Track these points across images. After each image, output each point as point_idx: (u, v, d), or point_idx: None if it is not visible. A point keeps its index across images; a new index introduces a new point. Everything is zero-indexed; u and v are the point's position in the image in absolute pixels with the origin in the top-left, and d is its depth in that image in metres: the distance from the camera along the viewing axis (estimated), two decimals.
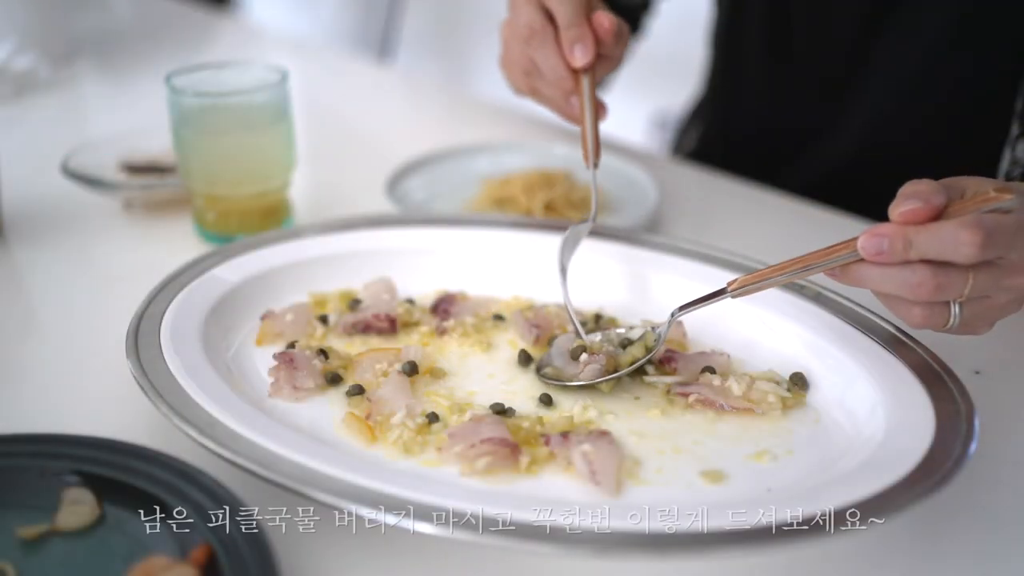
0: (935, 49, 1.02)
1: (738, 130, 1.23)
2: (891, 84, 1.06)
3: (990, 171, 0.98)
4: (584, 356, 0.71)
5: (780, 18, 1.12)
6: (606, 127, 0.88)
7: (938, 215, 0.59)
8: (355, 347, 0.75)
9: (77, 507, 0.57)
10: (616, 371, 0.70)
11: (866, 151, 1.10)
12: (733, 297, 0.67)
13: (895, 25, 1.04)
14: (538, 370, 0.72)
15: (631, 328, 0.74)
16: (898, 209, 0.60)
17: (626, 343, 0.73)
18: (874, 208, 1.01)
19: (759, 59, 1.17)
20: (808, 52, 1.12)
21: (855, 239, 0.61)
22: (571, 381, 0.70)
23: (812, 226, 0.98)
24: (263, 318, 0.77)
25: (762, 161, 1.18)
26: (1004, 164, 0.95)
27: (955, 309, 0.62)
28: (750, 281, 0.66)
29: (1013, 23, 0.97)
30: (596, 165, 0.80)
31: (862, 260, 0.61)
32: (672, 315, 0.71)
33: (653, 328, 0.73)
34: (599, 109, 0.83)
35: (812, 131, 1.14)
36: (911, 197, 0.59)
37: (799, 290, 0.76)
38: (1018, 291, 0.63)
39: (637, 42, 1.22)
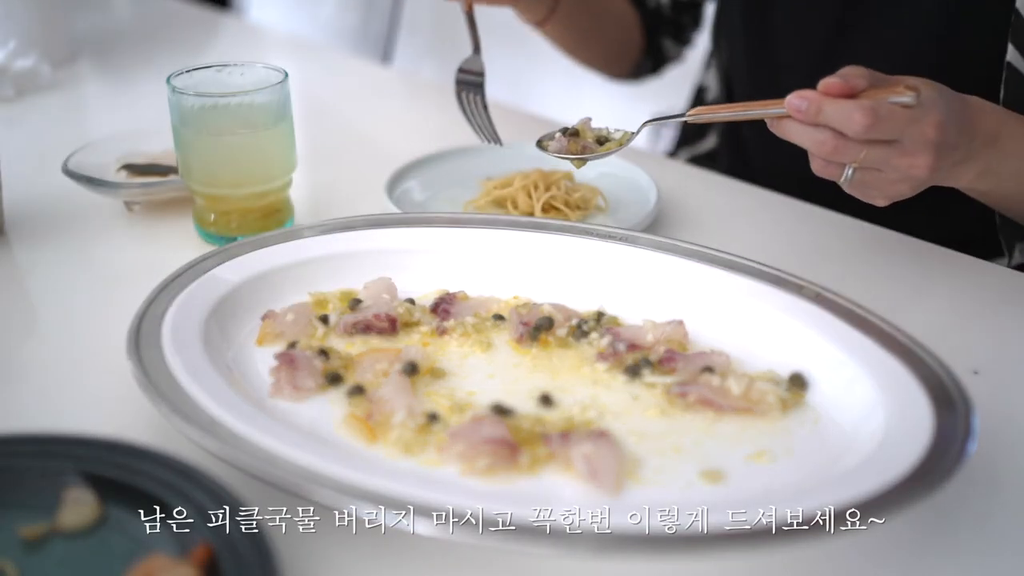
0: (918, 38, 1.02)
1: (734, 132, 1.24)
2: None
3: None
4: (558, 135, 0.88)
5: (757, 20, 1.13)
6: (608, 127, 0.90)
7: (853, 94, 0.74)
8: (355, 347, 0.75)
9: (78, 507, 0.57)
10: (586, 154, 0.87)
11: None
12: (689, 120, 0.82)
13: (876, 15, 1.04)
14: (538, 142, 0.89)
15: (614, 131, 0.89)
16: (824, 80, 0.74)
17: (603, 139, 0.88)
18: (869, 206, 1.01)
19: (746, 61, 1.17)
20: (787, 51, 1.12)
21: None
22: (552, 152, 0.87)
23: (812, 226, 0.99)
24: (264, 318, 0.77)
25: (760, 163, 1.18)
26: None
27: (848, 171, 0.76)
28: (705, 111, 0.82)
29: (995, 6, 0.96)
30: (470, 8, 1.00)
31: (789, 116, 0.75)
32: (642, 125, 0.86)
33: (629, 132, 0.88)
34: None
35: None
36: (839, 75, 0.74)
37: (799, 290, 0.76)
38: (904, 172, 0.76)
39: (685, 49, 1.28)
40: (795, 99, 0.74)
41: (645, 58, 1.29)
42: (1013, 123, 0.83)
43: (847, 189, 0.79)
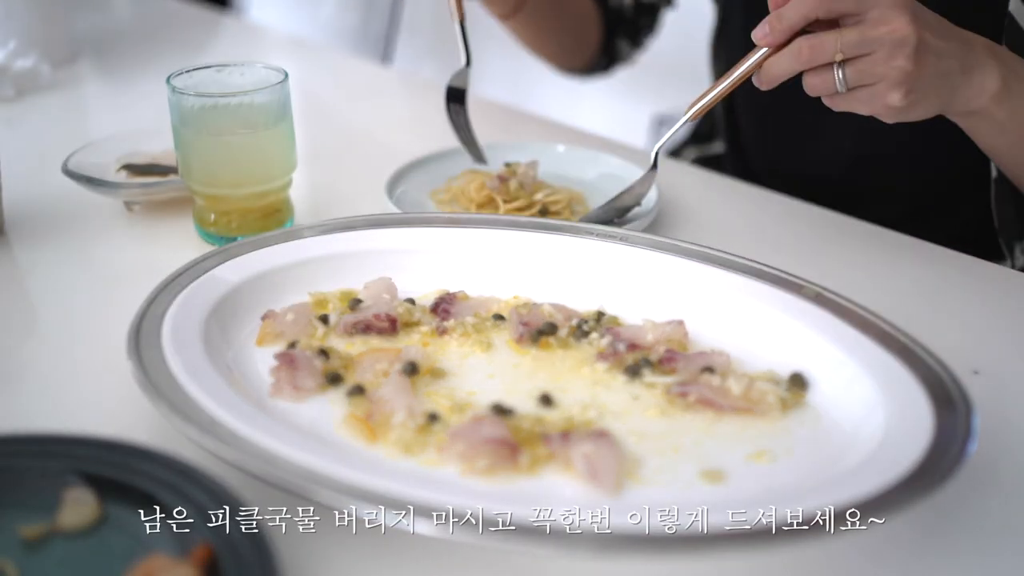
0: None
1: (735, 136, 1.24)
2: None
3: (980, 174, 0.98)
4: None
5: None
6: (610, 129, 0.90)
7: None
8: (355, 347, 0.75)
9: (78, 507, 0.57)
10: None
11: (859, 160, 1.10)
12: (692, 120, 0.84)
13: None
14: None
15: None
16: None
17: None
18: (874, 210, 1.01)
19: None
20: None
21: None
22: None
23: (812, 226, 0.99)
24: (264, 318, 0.77)
25: (760, 165, 1.18)
26: (994, 170, 0.94)
27: (838, 73, 0.76)
28: (699, 100, 0.83)
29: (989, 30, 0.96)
30: (462, 18, 1.00)
31: (766, 59, 0.77)
32: (655, 157, 0.90)
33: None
34: None
35: (802, 141, 1.14)
36: None
37: (799, 290, 0.76)
38: (888, 43, 0.73)
39: (637, 53, 1.27)
40: (758, 29, 0.77)
41: (600, 56, 1.30)
42: (1006, 48, 0.82)
43: (851, 100, 0.78)
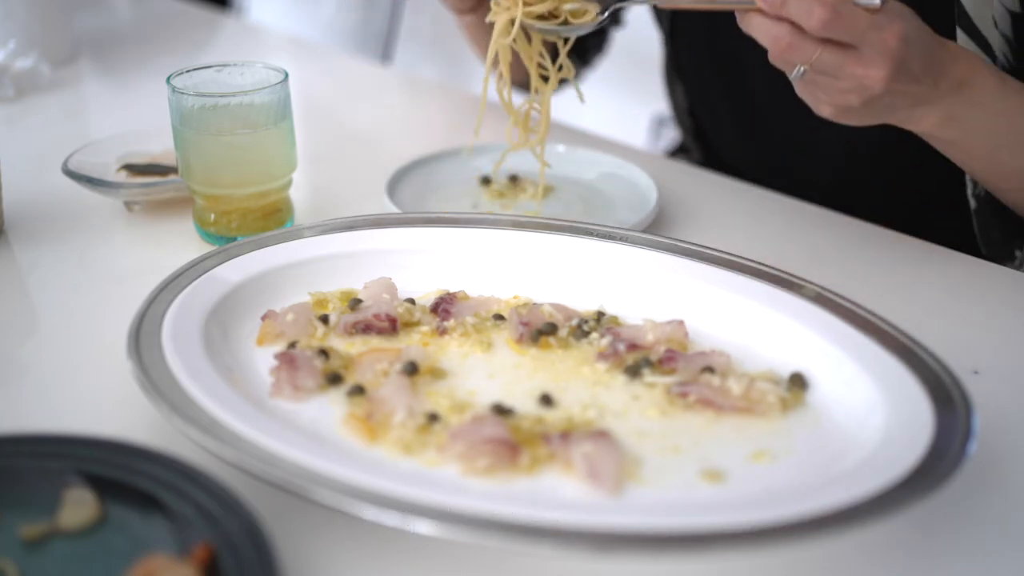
0: None
1: (701, 134, 1.24)
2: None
3: (962, 183, 0.97)
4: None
5: (731, 55, 1.13)
6: (609, 129, 0.89)
7: None
8: (356, 347, 0.75)
9: (78, 507, 0.58)
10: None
11: (840, 184, 1.10)
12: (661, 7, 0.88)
13: None
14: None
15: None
16: None
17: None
18: (868, 206, 1.01)
19: (721, 99, 1.17)
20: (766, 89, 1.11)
21: None
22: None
23: (810, 226, 0.98)
24: (264, 318, 0.77)
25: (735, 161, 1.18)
26: (973, 201, 0.93)
27: (800, 68, 0.75)
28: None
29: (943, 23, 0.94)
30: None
31: (754, 11, 0.75)
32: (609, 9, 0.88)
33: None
34: None
35: (788, 159, 1.14)
36: None
37: (799, 290, 0.76)
38: (857, 81, 0.74)
39: (585, 71, 1.31)
40: None
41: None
42: (987, 73, 0.80)
43: (796, 87, 0.78)
